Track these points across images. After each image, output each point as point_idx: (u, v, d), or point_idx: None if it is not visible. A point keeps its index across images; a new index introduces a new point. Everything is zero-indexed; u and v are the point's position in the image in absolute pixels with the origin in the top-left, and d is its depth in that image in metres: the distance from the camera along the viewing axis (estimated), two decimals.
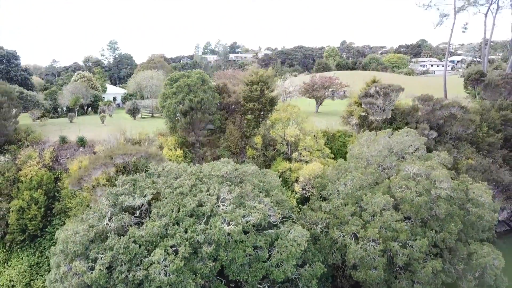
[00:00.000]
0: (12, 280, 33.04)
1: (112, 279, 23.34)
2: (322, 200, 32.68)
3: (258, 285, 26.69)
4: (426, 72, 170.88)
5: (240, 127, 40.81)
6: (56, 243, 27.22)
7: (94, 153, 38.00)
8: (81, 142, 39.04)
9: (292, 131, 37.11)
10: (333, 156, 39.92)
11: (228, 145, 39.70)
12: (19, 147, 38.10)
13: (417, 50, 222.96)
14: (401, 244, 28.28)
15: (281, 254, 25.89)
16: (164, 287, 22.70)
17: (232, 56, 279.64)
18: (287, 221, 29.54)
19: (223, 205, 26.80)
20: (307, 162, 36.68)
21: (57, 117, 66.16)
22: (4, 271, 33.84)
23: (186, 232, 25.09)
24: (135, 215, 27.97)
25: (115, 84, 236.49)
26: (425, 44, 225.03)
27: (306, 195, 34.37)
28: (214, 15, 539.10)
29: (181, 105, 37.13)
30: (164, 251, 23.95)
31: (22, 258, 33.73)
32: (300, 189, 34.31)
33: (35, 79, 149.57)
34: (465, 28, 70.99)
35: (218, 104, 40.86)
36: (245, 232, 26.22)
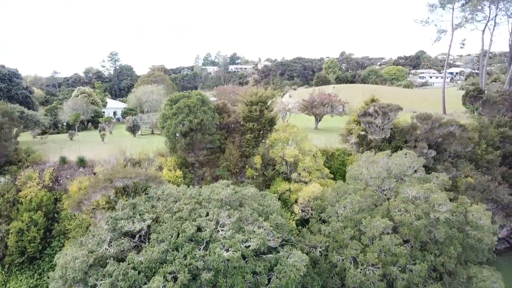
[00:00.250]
0: None
1: None
2: (321, 223, 32.75)
3: None
4: (425, 84, 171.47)
5: (240, 146, 41.00)
6: (55, 266, 27.23)
7: (94, 173, 38.10)
8: (81, 162, 39.16)
9: (291, 151, 37.26)
10: (332, 176, 39.99)
11: (227, 165, 39.83)
12: (19, 167, 38.18)
13: (416, 61, 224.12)
14: (400, 268, 28.29)
15: (280, 280, 25.89)
16: None
17: (232, 67, 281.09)
18: (287, 244, 29.59)
19: (222, 230, 26.85)
20: (306, 182, 36.76)
21: (58, 133, 66.39)
22: None
23: (185, 258, 25.12)
24: (135, 239, 28.05)
25: (116, 95, 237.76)
26: (424, 56, 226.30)
27: (305, 217, 34.39)
28: (215, 26, 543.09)
29: (181, 126, 37.33)
30: (163, 278, 23.96)
31: (21, 280, 33.62)
32: (300, 211, 34.36)
33: (36, 91, 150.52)
34: (463, 44, 71.60)
35: (218, 124, 41.06)
36: (244, 257, 26.25)
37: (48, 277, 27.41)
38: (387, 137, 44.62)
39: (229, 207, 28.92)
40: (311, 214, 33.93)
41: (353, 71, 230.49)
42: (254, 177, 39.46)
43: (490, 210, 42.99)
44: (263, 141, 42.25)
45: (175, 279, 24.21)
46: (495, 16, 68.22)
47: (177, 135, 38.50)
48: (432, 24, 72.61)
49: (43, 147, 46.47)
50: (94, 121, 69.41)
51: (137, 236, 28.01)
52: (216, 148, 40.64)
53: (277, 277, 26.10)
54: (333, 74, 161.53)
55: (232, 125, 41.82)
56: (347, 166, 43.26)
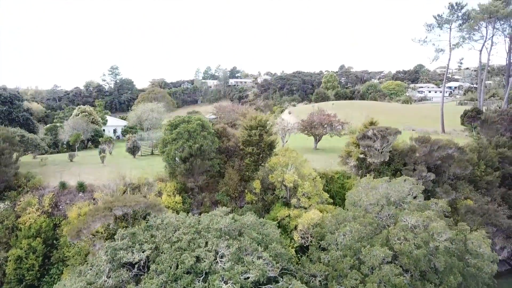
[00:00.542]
0: None
1: None
2: (321, 251, 32.67)
3: None
4: (424, 98, 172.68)
5: (239, 170, 41.12)
6: None
7: (94, 199, 38.16)
8: (81, 187, 39.23)
9: (290, 176, 37.35)
10: (331, 200, 40.01)
11: (226, 190, 39.89)
12: (19, 193, 38.23)
13: (415, 76, 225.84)
14: None
15: None
16: None
17: (232, 81, 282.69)
18: (286, 274, 29.48)
19: (222, 261, 26.81)
20: (306, 208, 36.79)
21: (58, 152, 66.65)
22: None
23: None
24: (134, 269, 27.98)
25: (116, 109, 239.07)
26: (423, 70, 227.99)
27: (305, 244, 34.33)
28: (215, 40, 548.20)
29: (180, 152, 37.50)
30: None
31: None
32: (299, 238, 34.30)
33: (36, 106, 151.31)
34: (461, 63, 72.17)
35: (217, 148, 41.21)
36: None
37: None
38: (386, 160, 44.73)
39: (228, 237, 28.90)
40: (311, 241, 33.87)
41: (352, 85, 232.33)
42: (254, 202, 39.49)
43: (490, 233, 43.28)
44: (262, 164, 42.37)
45: None
46: (492, 36, 69.14)
47: (177, 160, 38.65)
48: (430, 43, 73.36)
49: (43, 170, 46.62)
50: (94, 140, 69.66)
51: (136, 266, 27.96)
52: (215, 172, 40.72)
53: None
54: (332, 90, 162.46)
55: (232, 149, 41.98)
56: (346, 190, 43.48)
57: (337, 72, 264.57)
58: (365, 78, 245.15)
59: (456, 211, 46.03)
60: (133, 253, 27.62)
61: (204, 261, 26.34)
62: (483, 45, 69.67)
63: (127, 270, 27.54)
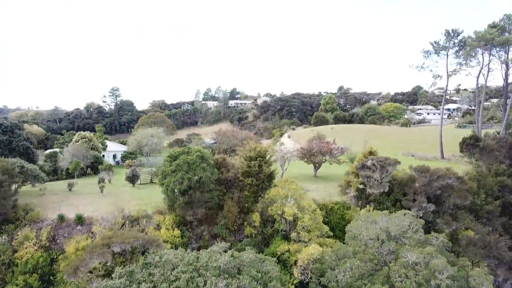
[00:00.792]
0: None
1: None
2: None
3: None
4: (423, 121, 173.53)
5: (238, 202, 40.97)
6: None
7: (92, 232, 37.86)
8: (79, 220, 38.96)
9: (290, 209, 37.19)
10: (331, 233, 39.72)
11: (226, 223, 39.64)
12: (17, 226, 37.95)
13: (413, 97, 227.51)
14: None
15: None
16: None
17: (231, 103, 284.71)
18: None
19: None
20: (306, 242, 36.49)
21: (57, 179, 66.52)
22: None
23: None
24: None
25: (116, 131, 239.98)
26: (421, 91, 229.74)
27: (305, 280, 33.89)
28: (216, 61, 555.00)
29: (179, 184, 37.44)
30: None
31: None
32: (299, 274, 33.88)
33: (36, 129, 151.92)
34: (459, 89, 72.84)
35: (217, 179, 41.13)
36: None
37: None
38: (386, 191, 44.62)
39: (227, 275, 28.57)
40: (311, 278, 33.45)
41: (351, 106, 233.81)
42: (253, 235, 39.18)
43: (492, 265, 42.82)
44: (262, 195, 42.25)
45: None
46: (489, 62, 69.97)
47: (176, 192, 38.55)
48: (427, 69, 74.16)
49: (41, 200, 46.45)
50: (93, 167, 69.63)
51: None
52: (214, 204, 40.56)
53: None
54: (331, 112, 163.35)
55: (231, 180, 41.93)
56: (346, 221, 43.24)
57: (335, 93, 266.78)
58: (364, 99, 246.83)
59: (457, 242, 45.63)
60: None
61: None
62: (480, 71, 70.48)
63: None
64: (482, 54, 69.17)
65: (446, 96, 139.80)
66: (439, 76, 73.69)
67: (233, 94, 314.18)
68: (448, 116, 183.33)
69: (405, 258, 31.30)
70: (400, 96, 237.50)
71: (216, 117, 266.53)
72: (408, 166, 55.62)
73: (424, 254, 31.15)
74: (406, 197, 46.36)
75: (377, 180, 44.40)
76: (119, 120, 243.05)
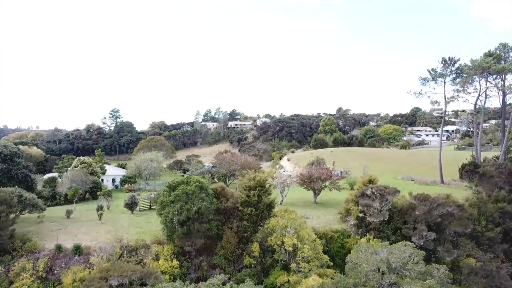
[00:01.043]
0: None
1: None
2: None
3: None
4: (422, 142, 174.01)
5: (238, 232, 40.72)
6: None
7: (89, 263, 37.47)
8: (77, 250, 38.61)
9: (290, 240, 36.96)
10: (331, 263, 39.34)
11: (224, 253, 39.30)
12: (14, 257, 37.59)
13: (412, 119, 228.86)
14: None
15: None
16: None
17: (231, 123, 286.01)
18: None
19: None
20: (305, 273, 36.09)
21: (56, 205, 66.17)
22: None
23: None
24: None
25: (116, 152, 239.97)
26: (419, 113, 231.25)
27: None
28: (216, 82, 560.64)
29: (178, 215, 37.31)
30: None
31: None
32: None
33: (35, 151, 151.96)
34: (457, 115, 73.42)
35: (216, 208, 40.98)
36: None
37: None
38: (386, 219, 44.41)
39: None
40: None
41: (350, 128, 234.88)
42: (252, 265, 38.80)
43: None
44: (261, 224, 42.02)
45: None
46: (486, 89, 70.76)
47: (174, 222, 38.35)
48: (425, 96, 74.91)
49: (39, 228, 46.18)
50: (92, 192, 69.36)
51: None
52: (213, 234, 40.28)
53: None
54: (330, 134, 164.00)
55: (230, 209, 41.78)
56: (346, 249, 42.90)
57: (334, 114, 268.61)
58: (363, 120, 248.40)
59: (458, 269, 45.25)
60: None
61: None
62: (477, 98, 71.24)
63: None
64: (479, 82, 70.11)
65: (445, 118, 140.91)
66: (437, 102, 74.40)
67: (232, 115, 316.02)
68: (447, 138, 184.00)
69: None
70: (399, 118, 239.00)
71: (215, 138, 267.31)
72: (408, 193, 55.62)
73: (425, 287, 30.80)
74: (407, 225, 46.13)
75: (377, 209, 44.26)
76: (119, 141, 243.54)
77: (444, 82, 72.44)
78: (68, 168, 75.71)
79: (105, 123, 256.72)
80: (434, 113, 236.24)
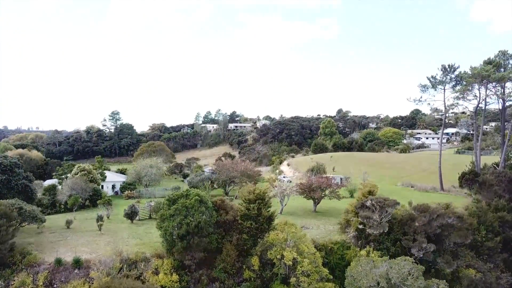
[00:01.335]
0: None
1: None
2: None
3: None
4: (422, 146, 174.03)
5: (237, 245, 40.73)
6: None
7: (89, 277, 37.46)
8: (77, 263, 38.62)
9: (289, 254, 36.99)
10: (331, 276, 39.35)
11: (224, 266, 39.31)
12: (13, 271, 37.58)
13: (412, 121, 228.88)
14: None
15: None
16: None
17: (231, 126, 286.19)
18: None
19: None
20: (305, 287, 36.13)
21: (56, 212, 66.24)
22: None
23: None
24: None
25: (116, 154, 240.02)
26: (419, 116, 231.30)
27: None
28: (216, 84, 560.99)
29: (178, 229, 37.31)
30: None
31: None
32: None
33: (35, 155, 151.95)
34: (456, 122, 73.48)
35: (215, 222, 40.98)
36: None
37: None
38: (386, 231, 44.42)
39: None
40: None
41: (350, 130, 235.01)
42: (252, 279, 38.81)
43: None
44: (261, 237, 42.03)
45: None
46: (486, 97, 70.75)
47: (174, 235, 38.36)
48: (425, 103, 74.99)
49: (39, 239, 46.18)
50: (92, 199, 69.39)
51: None
52: (213, 247, 40.29)
53: None
54: (330, 137, 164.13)
55: (230, 222, 41.77)
56: (346, 261, 42.95)
57: (334, 116, 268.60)
58: (363, 123, 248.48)
59: (458, 280, 45.32)
60: None
61: None
62: (477, 106, 71.22)
63: None
64: (479, 89, 70.10)
65: (445, 120, 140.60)
66: (436, 109, 74.45)
67: (232, 117, 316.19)
68: (447, 141, 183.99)
69: None
70: (399, 120, 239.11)
71: (215, 140, 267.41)
72: (408, 202, 55.68)
73: None
74: (406, 237, 46.08)
75: (377, 221, 44.27)
76: (119, 143, 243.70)
77: (444, 89, 72.53)
78: (68, 175, 75.78)
79: (105, 125, 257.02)
80: (434, 115, 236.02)
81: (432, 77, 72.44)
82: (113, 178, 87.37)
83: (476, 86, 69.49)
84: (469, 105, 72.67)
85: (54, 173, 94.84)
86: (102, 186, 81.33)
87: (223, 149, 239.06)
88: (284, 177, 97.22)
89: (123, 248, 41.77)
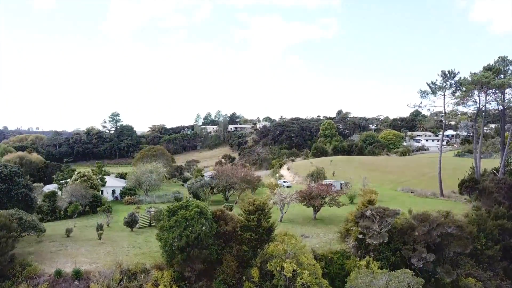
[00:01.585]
0: None
1: None
2: None
3: None
4: (422, 148, 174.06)
5: (237, 256, 40.74)
6: None
7: None
8: (76, 275, 38.63)
9: (289, 266, 37.00)
10: (331, 287, 39.40)
11: (224, 278, 39.32)
12: (13, 282, 37.57)
13: (412, 123, 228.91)
14: None
15: None
16: None
17: (231, 127, 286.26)
18: None
19: None
20: None
21: (55, 219, 66.30)
22: None
23: None
24: None
25: (116, 155, 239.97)
26: (419, 118, 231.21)
27: None
28: (216, 85, 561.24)
29: (178, 241, 37.33)
30: None
31: None
32: None
33: (35, 157, 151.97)
34: (456, 128, 73.49)
35: (215, 233, 40.98)
36: None
37: None
38: (385, 241, 44.44)
39: None
40: None
41: (350, 132, 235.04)
42: None
43: None
44: (260, 247, 42.03)
45: None
46: (485, 103, 70.78)
47: (174, 247, 38.39)
48: (425, 108, 75.05)
49: (38, 248, 46.18)
50: (92, 206, 69.43)
51: None
52: (213, 258, 40.32)
53: None
54: (330, 139, 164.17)
55: (230, 233, 41.79)
56: (346, 271, 43.01)
57: (334, 118, 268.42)
58: (363, 124, 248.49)
59: None
60: None
61: None
62: (477, 113, 71.22)
63: None
64: (479, 96, 70.13)
65: (445, 125, 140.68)
66: (436, 115, 74.51)
67: (232, 118, 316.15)
68: (447, 143, 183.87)
69: None
70: (399, 122, 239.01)
71: (215, 142, 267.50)
72: (408, 210, 55.72)
73: None
74: (406, 246, 46.10)
75: (377, 231, 44.29)
76: (119, 145, 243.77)
77: (444, 95, 72.54)
78: (68, 181, 75.81)
79: (105, 126, 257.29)
80: (434, 117, 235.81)
81: (432, 83, 72.49)
82: (113, 183, 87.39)
83: (476, 92, 69.54)
84: (469, 111, 72.70)
85: (54, 176, 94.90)
86: (102, 191, 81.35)
87: (223, 150, 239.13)
88: (284, 181, 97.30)
89: (123, 259, 41.83)
